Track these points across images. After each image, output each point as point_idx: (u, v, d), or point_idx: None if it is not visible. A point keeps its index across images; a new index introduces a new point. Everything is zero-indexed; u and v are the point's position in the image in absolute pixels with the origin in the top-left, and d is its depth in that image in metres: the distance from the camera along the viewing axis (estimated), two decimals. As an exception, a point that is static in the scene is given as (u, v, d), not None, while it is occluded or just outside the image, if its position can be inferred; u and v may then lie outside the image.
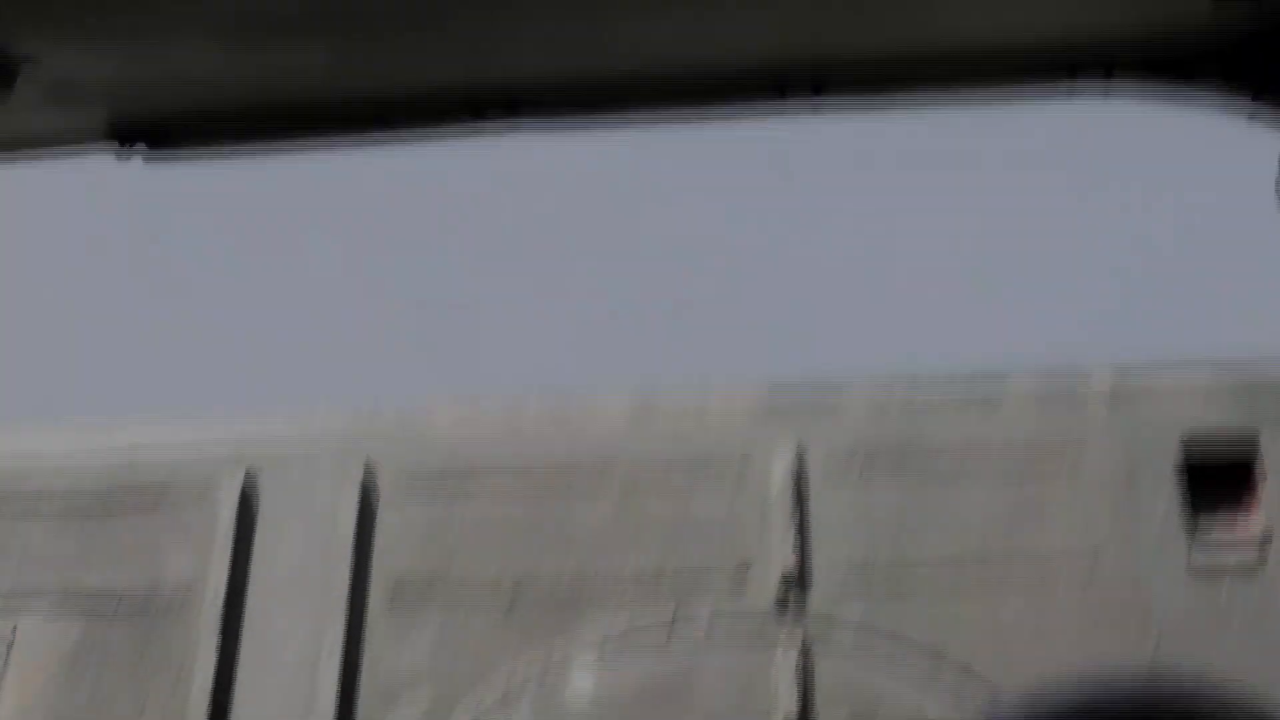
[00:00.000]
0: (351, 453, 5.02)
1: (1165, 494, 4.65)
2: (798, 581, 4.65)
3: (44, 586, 4.99)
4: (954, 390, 4.91)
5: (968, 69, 4.34)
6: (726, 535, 4.78)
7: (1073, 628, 4.54)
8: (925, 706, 4.48)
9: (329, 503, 4.96)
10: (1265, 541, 4.58)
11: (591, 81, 4.48)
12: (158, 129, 4.61)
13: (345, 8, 3.99)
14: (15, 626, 4.94)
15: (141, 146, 4.68)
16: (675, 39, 4.22)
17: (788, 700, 4.49)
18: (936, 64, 4.34)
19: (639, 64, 4.41)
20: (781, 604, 4.64)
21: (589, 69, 4.40)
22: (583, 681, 4.63)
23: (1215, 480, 4.69)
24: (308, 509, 4.98)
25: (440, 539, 4.89)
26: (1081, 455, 4.72)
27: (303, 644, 4.78)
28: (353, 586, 4.82)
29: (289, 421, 5.18)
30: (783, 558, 4.68)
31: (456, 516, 4.91)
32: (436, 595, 4.81)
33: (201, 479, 5.05)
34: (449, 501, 4.93)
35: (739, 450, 4.87)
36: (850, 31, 4.09)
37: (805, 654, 4.55)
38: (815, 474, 4.80)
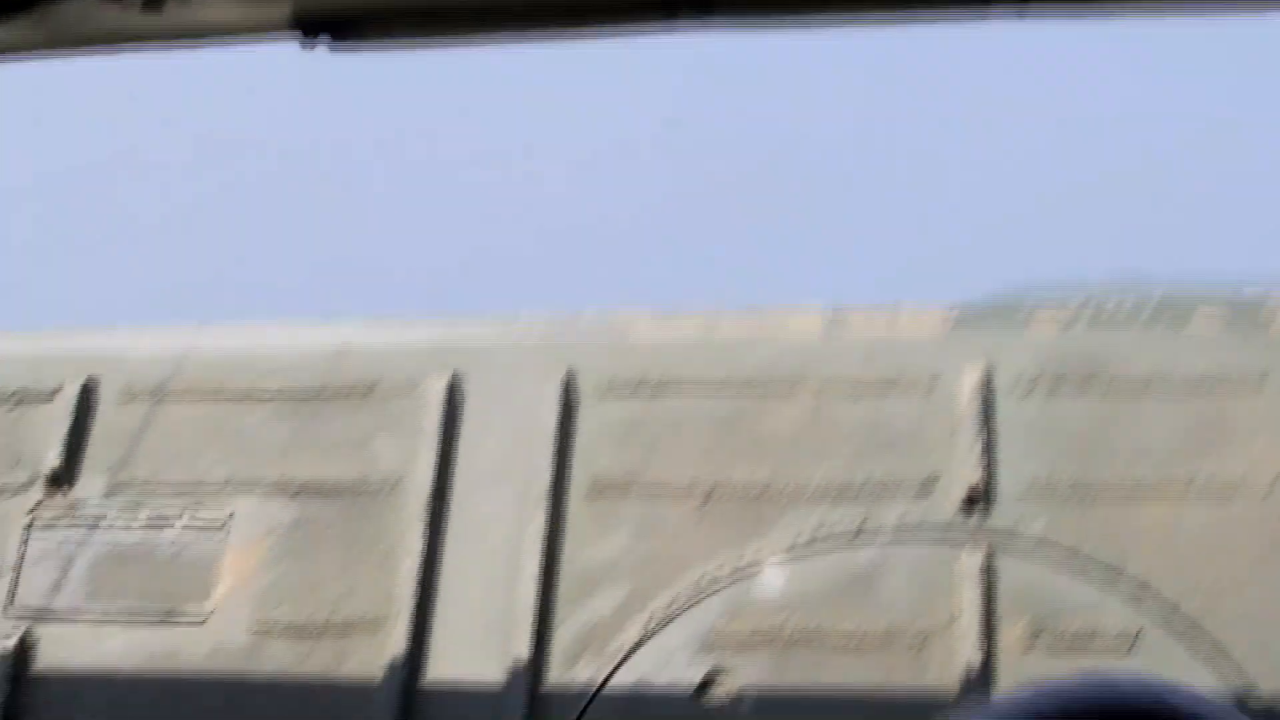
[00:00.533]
0: (554, 356, 5.23)
1: None
2: (983, 493, 4.78)
3: (259, 472, 5.26)
4: (1141, 310, 4.99)
5: None
6: (914, 448, 4.91)
7: (1249, 547, 4.63)
8: (1102, 619, 4.60)
9: (531, 402, 5.17)
10: None
11: None
12: (339, 21, 4.72)
13: None
14: (232, 512, 5.23)
15: (324, 38, 4.81)
16: None
17: (971, 603, 4.63)
18: None
19: None
20: (966, 514, 4.78)
21: None
22: (773, 579, 4.81)
23: None
24: (511, 407, 5.20)
25: (637, 441, 5.08)
26: (1265, 381, 4.79)
27: (505, 534, 5.01)
28: (553, 481, 5.03)
29: (494, 325, 5.40)
30: (969, 470, 4.81)
31: (653, 420, 5.09)
32: (633, 494, 5.01)
33: (410, 376, 5.29)
34: (646, 406, 5.12)
35: (928, 366, 5.00)
36: None
37: (988, 562, 4.69)
38: (1002, 390, 4.92)
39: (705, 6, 4.52)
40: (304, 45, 4.80)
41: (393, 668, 4.88)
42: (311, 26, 4.70)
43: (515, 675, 4.83)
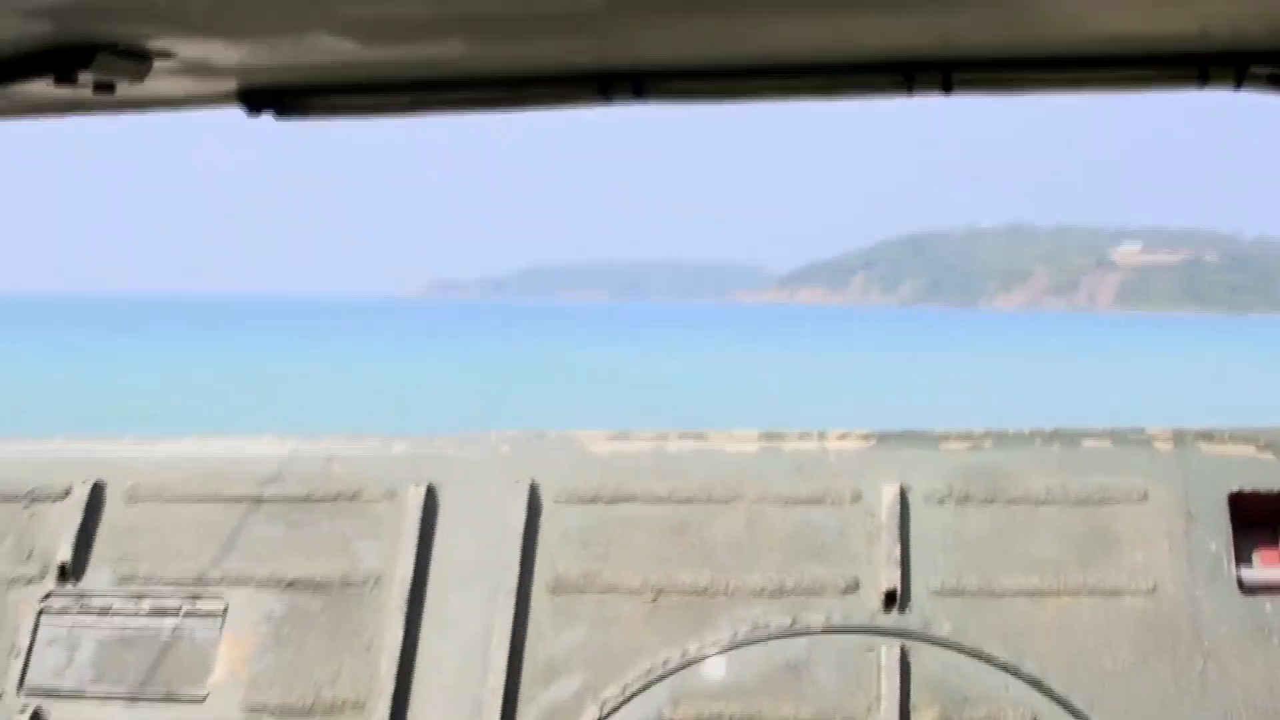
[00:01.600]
0: (520, 469, 5.81)
1: (1218, 533, 5.35)
2: (899, 595, 5.38)
3: (254, 569, 5.79)
4: (1036, 441, 5.64)
5: (1098, 67, 4.36)
6: (839, 554, 5.50)
7: (1133, 643, 5.24)
8: (1003, 707, 5.20)
9: (500, 509, 5.73)
10: None
11: (719, 67, 4.59)
12: (287, 97, 4.85)
13: (477, 11, 4.01)
14: (227, 605, 5.74)
15: (269, 111, 4.87)
16: (803, 31, 4.23)
17: (889, 692, 5.23)
18: (1066, 62, 4.37)
19: (767, 53, 4.48)
20: (885, 613, 5.38)
21: (717, 56, 4.50)
22: (715, 669, 5.39)
23: (1260, 525, 5.40)
24: (481, 514, 5.75)
25: (593, 547, 5.64)
26: (1147, 497, 5.44)
27: (476, 628, 5.54)
28: (519, 582, 5.58)
29: (466, 440, 5.98)
30: (887, 574, 5.41)
31: (608, 527, 5.66)
32: (590, 592, 5.57)
33: (390, 485, 5.84)
34: (602, 514, 5.70)
35: (851, 482, 5.62)
36: (980, 28, 4.15)
37: (904, 655, 5.28)
38: (916, 504, 5.54)
39: (638, 90, 4.70)
40: (250, 115, 4.91)
41: None
42: (257, 100, 4.88)
43: None
